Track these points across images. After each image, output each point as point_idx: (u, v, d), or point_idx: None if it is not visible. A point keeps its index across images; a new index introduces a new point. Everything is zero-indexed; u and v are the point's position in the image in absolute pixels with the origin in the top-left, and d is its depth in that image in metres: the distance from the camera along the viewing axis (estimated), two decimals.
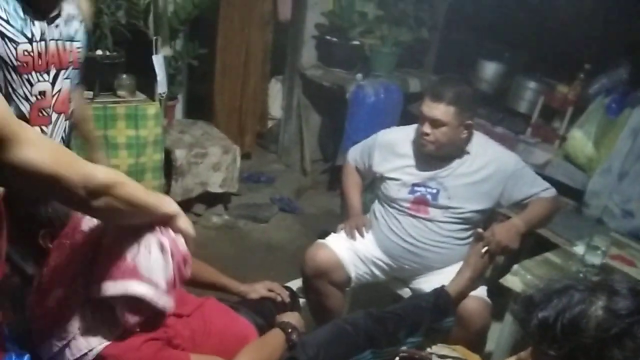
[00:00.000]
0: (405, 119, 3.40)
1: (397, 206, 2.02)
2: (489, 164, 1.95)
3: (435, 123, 1.87)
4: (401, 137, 2.07)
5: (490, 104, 3.40)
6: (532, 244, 2.53)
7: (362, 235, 2.09)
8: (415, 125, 2.05)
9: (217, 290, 1.67)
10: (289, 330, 1.40)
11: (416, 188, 1.99)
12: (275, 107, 3.89)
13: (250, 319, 1.50)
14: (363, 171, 2.21)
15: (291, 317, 1.49)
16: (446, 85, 1.87)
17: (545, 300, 0.82)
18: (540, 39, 3.21)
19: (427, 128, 1.89)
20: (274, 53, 3.77)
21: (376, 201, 2.15)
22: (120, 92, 2.46)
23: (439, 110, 1.85)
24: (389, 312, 1.66)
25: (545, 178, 2.87)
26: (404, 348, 1.23)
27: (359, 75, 3.29)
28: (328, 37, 3.45)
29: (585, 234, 2.18)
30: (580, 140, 2.84)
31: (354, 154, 2.24)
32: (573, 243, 2.12)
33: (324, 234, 2.19)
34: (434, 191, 1.96)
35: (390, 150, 2.07)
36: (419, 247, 1.98)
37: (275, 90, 3.85)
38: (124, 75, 2.46)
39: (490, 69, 3.46)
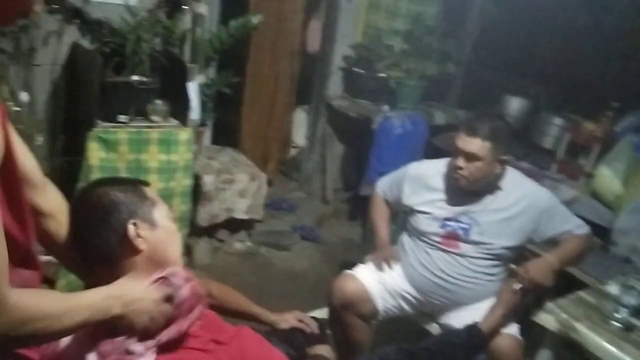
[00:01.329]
0: (430, 152, 3.42)
1: (427, 240, 2.01)
2: (521, 200, 1.94)
3: (470, 157, 1.87)
4: (432, 170, 2.08)
5: (515, 139, 3.40)
6: (557, 281, 2.50)
7: (390, 267, 2.08)
8: (446, 159, 2.05)
9: (247, 319, 1.66)
10: None
11: (447, 222, 1.98)
12: (299, 136, 3.93)
13: (282, 350, 1.48)
14: (392, 202, 2.21)
15: (323, 350, 1.48)
16: (482, 120, 1.88)
17: None
18: (567, 75, 3.23)
19: (461, 162, 1.89)
20: (300, 83, 3.82)
21: (404, 234, 2.14)
22: (153, 117, 2.49)
23: (474, 144, 1.85)
24: (421, 347, 1.64)
25: None
26: None
27: (386, 107, 3.32)
28: (355, 69, 3.50)
29: (613, 273, 2.15)
30: (607, 177, 2.83)
31: (383, 185, 2.25)
32: (604, 282, 2.09)
33: (346, 265, 2.18)
34: (466, 226, 1.95)
35: (421, 183, 2.07)
36: (449, 282, 1.96)
37: (300, 119, 3.89)
38: (158, 101, 2.50)
39: (515, 104, 3.48)
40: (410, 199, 2.08)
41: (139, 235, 1.09)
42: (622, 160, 2.81)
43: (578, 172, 3.12)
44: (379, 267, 2.07)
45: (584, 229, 1.98)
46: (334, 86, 3.62)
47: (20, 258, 0.96)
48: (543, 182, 3.12)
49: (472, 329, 1.78)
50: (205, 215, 2.82)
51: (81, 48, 2.46)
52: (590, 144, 3.08)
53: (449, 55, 3.61)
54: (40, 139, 2.41)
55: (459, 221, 1.96)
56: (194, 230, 2.86)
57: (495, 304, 1.87)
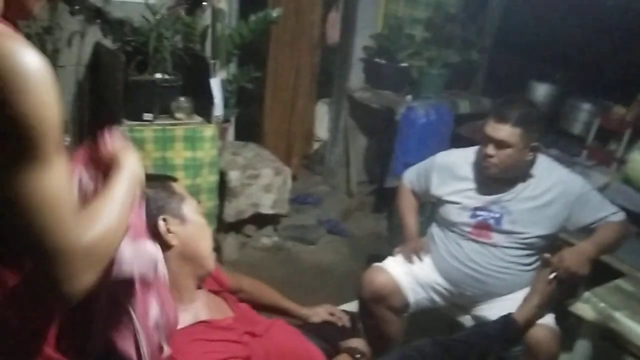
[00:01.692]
0: (455, 141, 3.37)
1: (457, 230, 1.97)
2: (553, 187, 1.89)
3: (500, 145, 1.82)
4: (461, 159, 2.04)
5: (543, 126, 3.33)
6: (592, 270, 2.44)
7: (420, 259, 2.05)
8: (475, 147, 2.01)
9: (278, 313, 1.66)
10: (358, 355, 1.38)
11: (478, 212, 1.94)
12: (321, 129, 3.91)
13: (316, 343, 1.47)
14: (419, 193, 2.18)
15: (357, 343, 1.47)
16: (512, 106, 1.83)
17: None
18: (595, 58, 3.14)
19: (491, 150, 1.85)
20: (321, 76, 3.80)
21: (434, 225, 2.11)
22: (177, 115, 2.50)
23: (504, 131, 1.80)
24: (456, 339, 1.61)
25: None
26: None
27: (409, 97, 3.28)
28: (376, 60, 3.46)
29: None
30: None
31: (410, 176, 2.21)
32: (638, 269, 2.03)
33: (374, 258, 2.16)
34: (497, 215, 1.91)
35: (450, 173, 2.03)
36: (481, 272, 1.92)
37: (322, 113, 3.87)
38: (182, 98, 2.51)
39: (541, 91, 3.40)
40: (439, 189, 2.04)
41: (169, 231, 1.10)
42: None
43: (609, 158, 3.04)
44: (409, 259, 2.04)
45: (619, 216, 1.92)
46: (356, 78, 3.58)
47: None
48: (574, 169, 3.03)
49: (507, 320, 1.74)
50: (232, 211, 2.82)
51: (104, 48, 2.47)
52: (621, 129, 2.99)
53: (471, 42, 3.54)
54: (67, 140, 2.43)
55: (490, 210, 1.92)
56: (222, 226, 2.87)
57: (529, 294, 1.83)
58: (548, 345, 1.77)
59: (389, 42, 3.40)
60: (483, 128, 1.88)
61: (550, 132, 3.29)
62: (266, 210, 2.93)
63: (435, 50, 3.44)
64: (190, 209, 1.15)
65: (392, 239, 2.45)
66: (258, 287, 1.66)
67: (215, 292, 1.30)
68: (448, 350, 1.55)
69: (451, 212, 1.99)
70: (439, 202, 2.05)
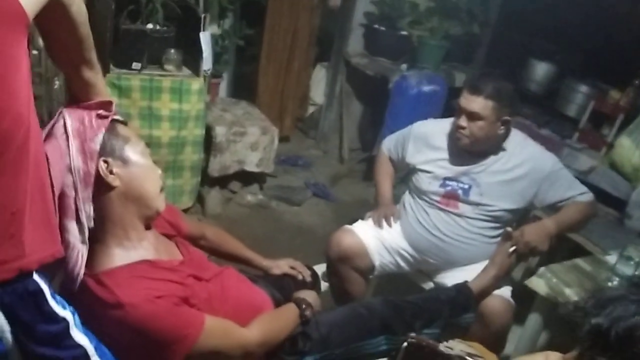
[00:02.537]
0: (449, 114, 3.35)
1: (427, 199, 2.01)
2: (524, 163, 1.91)
3: (472, 117, 1.84)
4: (437, 129, 2.06)
5: (538, 106, 3.31)
6: (569, 251, 2.47)
7: (389, 225, 2.09)
8: (452, 119, 2.03)
9: (241, 262, 1.72)
10: (303, 306, 1.43)
11: (448, 182, 1.97)
12: (318, 93, 3.91)
13: (268, 292, 1.53)
14: (396, 161, 2.20)
15: (308, 295, 1.52)
16: (486, 79, 1.84)
17: (599, 307, 0.82)
18: (596, 41, 3.09)
19: (463, 121, 1.87)
20: (322, 39, 3.77)
21: (407, 192, 2.14)
22: (167, 66, 2.53)
23: (476, 103, 1.82)
24: (407, 301, 1.66)
25: (588, 185, 2.79)
26: (412, 334, 1.23)
27: (404, 66, 3.27)
28: (376, 26, 3.43)
29: (624, 245, 2.11)
30: (627, 148, 2.74)
31: (388, 144, 2.24)
32: (607, 252, 2.06)
33: (353, 222, 2.20)
34: (466, 187, 1.94)
35: (425, 142, 2.05)
36: (445, 241, 1.96)
37: (320, 77, 3.87)
38: (172, 50, 2.53)
39: (541, 69, 3.36)
40: (414, 157, 2.07)
41: (111, 172, 1.13)
42: None
43: (600, 142, 3.03)
44: (378, 224, 2.09)
45: (587, 196, 1.94)
46: (355, 43, 3.56)
47: None
48: (562, 150, 3.04)
49: (460, 288, 1.79)
50: (217, 165, 2.87)
51: None
52: (615, 114, 2.97)
53: (475, 15, 3.49)
54: (57, 83, 2.47)
55: (459, 181, 1.95)
56: (206, 180, 2.93)
57: (487, 265, 1.87)
58: (500, 316, 1.82)
59: (390, 9, 3.37)
60: (457, 100, 1.89)
61: (544, 113, 3.28)
62: (251, 167, 2.98)
63: (437, 20, 3.39)
64: (134, 150, 1.17)
65: (375, 205, 2.50)
66: (221, 236, 1.71)
67: (169, 236, 1.35)
68: (397, 310, 1.59)
69: (422, 181, 2.02)
70: (413, 170, 2.08)
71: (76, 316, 1.01)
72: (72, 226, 1.08)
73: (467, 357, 1.22)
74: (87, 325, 1.13)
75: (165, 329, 1.10)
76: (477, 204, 1.93)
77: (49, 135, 1.09)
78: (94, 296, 1.08)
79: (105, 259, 1.14)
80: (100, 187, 1.12)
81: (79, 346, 1.00)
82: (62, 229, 1.06)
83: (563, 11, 3.19)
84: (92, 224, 1.10)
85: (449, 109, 3.40)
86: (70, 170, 1.08)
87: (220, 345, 1.20)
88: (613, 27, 2.99)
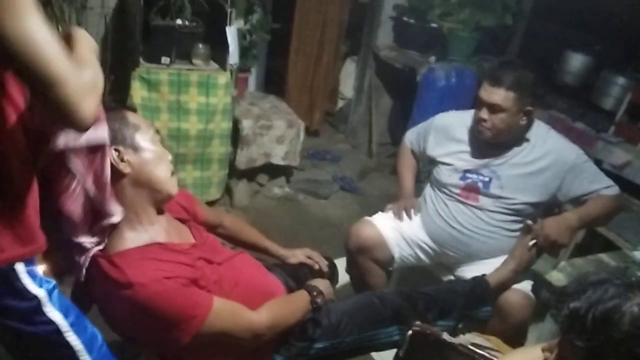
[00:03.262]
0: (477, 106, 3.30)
1: (446, 191, 1.99)
2: (547, 155, 1.87)
3: (494, 109, 1.81)
4: (458, 121, 2.03)
5: (572, 98, 3.22)
6: (601, 247, 2.40)
7: (409, 217, 2.09)
8: (472, 110, 2.00)
9: (258, 251, 1.75)
10: (315, 293, 1.45)
11: (468, 175, 1.94)
12: (348, 87, 3.92)
13: (282, 280, 1.56)
14: (418, 154, 2.20)
15: (320, 283, 1.54)
16: (506, 70, 1.80)
17: (578, 291, 0.82)
18: (634, 31, 2.97)
19: (484, 114, 1.84)
20: (352, 33, 3.78)
21: (428, 185, 2.13)
22: (195, 61, 2.60)
23: (497, 95, 1.79)
24: (421, 292, 1.66)
25: (623, 180, 2.73)
26: (417, 323, 1.23)
27: (432, 58, 3.23)
28: (405, 19, 3.41)
29: None
30: None
31: (410, 136, 2.23)
32: (636, 248, 1.99)
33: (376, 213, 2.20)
34: (486, 179, 1.91)
35: (446, 134, 2.04)
36: (465, 234, 1.94)
37: (349, 70, 3.87)
38: (200, 45, 2.59)
39: (576, 61, 3.26)
40: (434, 149, 2.06)
41: (122, 160, 1.18)
42: None
43: (637, 135, 2.91)
44: (399, 217, 2.09)
45: (612, 190, 1.87)
46: (384, 36, 3.55)
47: None
48: (597, 144, 2.95)
49: (477, 281, 1.77)
50: (244, 158, 2.93)
51: None
52: None
53: (508, 6, 3.41)
54: None
55: (480, 174, 1.93)
56: (234, 172, 2.99)
57: (507, 259, 1.84)
58: (519, 310, 1.79)
59: (420, 1, 3.34)
60: (478, 92, 1.87)
61: (579, 105, 3.19)
62: (277, 160, 3.02)
63: (468, 12, 3.34)
64: (144, 137, 1.22)
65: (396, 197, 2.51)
66: (239, 225, 1.75)
67: (182, 220, 1.40)
68: (409, 300, 1.59)
69: (443, 173, 2.01)
70: (433, 162, 2.07)
71: (54, 293, 1.06)
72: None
73: (471, 347, 1.21)
74: (100, 304, 1.19)
75: (173, 308, 1.14)
76: (498, 197, 1.90)
77: None
78: (106, 276, 1.13)
79: (118, 241, 1.19)
80: (113, 175, 1.16)
81: (51, 322, 1.05)
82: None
83: (599, 1, 3.08)
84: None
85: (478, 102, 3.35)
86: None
87: (228, 327, 1.23)
88: None
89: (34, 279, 1.02)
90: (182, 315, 1.15)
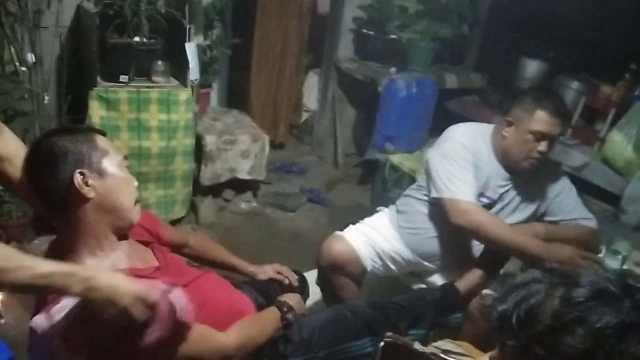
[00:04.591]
0: (440, 116, 3.36)
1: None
2: (543, 181, 1.89)
3: (554, 141, 1.76)
4: (478, 143, 1.87)
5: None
6: None
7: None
8: (478, 126, 1.93)
9: (227, 269, 1.72)
10: (285, 309, 1.43)
11: (481, 199, 1.84)
12: (312, 100, 3.93)
13: (252, 298, 1.53)
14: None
15: (290, 298, 1.52)
16: (560, 101, 1.77)
17: (506, 294, 0.82)
18: (586, 37, 3.09)
19: (544, 147, 1.73)
20: (313, 46, 3.80)
21: (410, 197, 2.04)
22: (155, 78, 2.55)
23: (560, 128, 1.73)
24: (392, 302, 1.66)
25: (582, 181, 2.81)
26: (389, 334, 1.23)
27: (393, 70, 3.28)
28: (365, 31, 3.44)
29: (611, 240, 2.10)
30: (619, 143, 2.73)
31: (466, 192, 1.78)
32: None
33: (347, 227, 2.16)
34: (488, 202, 1.86)
35: (472, 157, 1.84)
36: (452, 248, 1.93)
37: (312, 83, 3.89)
38: (160, 62, 2.55)
39: (532, 67, 3.37)
40: None
41: (87, 185, 1.14)
42: (634, 125, 2.70)
43: (593, 138, 3.02)
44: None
45: (591, 222, 1.90)
46: (345, 49, 3.58)
47: None
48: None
49: (447, 288, 1.78)
50: (209, 174, 2.89)
51: (85, 10, 2.52)
52: (607, 109, 2.96)
53: (464, 16, 3.49)
54: (47, 98, 2.51)
55: (485, 196, 1.86)
56: (199, 189, 2.94)
57: (476, 265, 1.86)
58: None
59: (379, 13, 3.38)
60: (530, 124, 1.72)
61: None
62: (243, 175, 2.99)
63: (426, 23, 3.40)
64: (112, 163, 1.19)
65: (374, 211, 2.47)
66: (205, 243, 1.72)
67: (145, 243, 1.36)
68: (381, 311, 1.59)
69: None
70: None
71: None
72: None
73: (442, 355, 1.21)
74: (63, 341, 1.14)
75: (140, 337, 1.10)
76: None
77: None
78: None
79: None
80: (75, 199, 1.13)
81: None
82: None
83: (552, 9, 3.19)
84: None
85: (441, 111, 3.41)
86: None
87: (197, 351, 1.19)
88: (602, 23, 2.99)
89: None
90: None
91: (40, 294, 0.98)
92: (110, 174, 1.18)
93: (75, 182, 1.12)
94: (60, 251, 1.18)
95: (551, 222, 1.91)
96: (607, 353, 0.73)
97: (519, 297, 0.80)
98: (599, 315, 0.74)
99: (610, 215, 2.81)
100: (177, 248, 1.58)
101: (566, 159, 2.93)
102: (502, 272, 1.95)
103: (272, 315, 1.42)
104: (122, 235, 1.25)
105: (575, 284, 0.78)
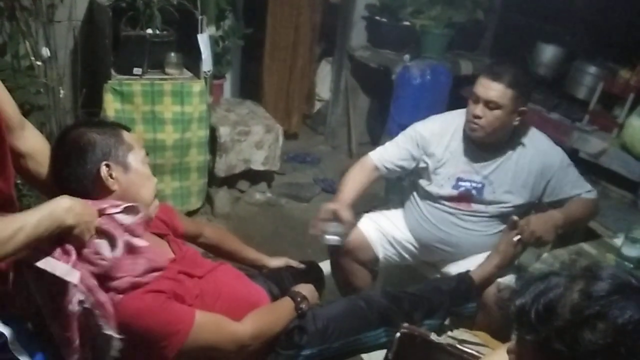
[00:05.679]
0: (454, 103, 3.32)
1: (439, 200, 1.94)
2: (535, 158, 1.87)
3: (490, 105, 1.76)
4: (442, 127, 1.94)
5: (546, 89, 3.26)
6: (583, 236, 2.43)
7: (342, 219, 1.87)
8: (452, 113, 1.98)
9: (240, 260, 1.72)
10: (299, 299, 1.43)
11: (460, 183, 1.89)
12: (325, 89, 3.91)
13: (265, 288, 1.55)
14: (389, 172, 2.04)
15: (304, 288, 1.52)
16: (506, 66, 1.77)
17: (524, 287, 0.81)
18: (603, 20, 3.02)
19: (479, 110, 1.78)
20: (325, 35, 3.77)
21: (414, 192, 2.05)
22: (168, 70, 2.56)
23: (496, 91, 1.75)
24: (406, 292, 1.66)
25: (600, 168, 2.77)
26: (405, 324, 1.23)
27: (406, 57, 3.25)
28: (378, 18, 3.41)
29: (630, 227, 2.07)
30: (638, 129, 2.67)
31: (382, 153, 2.04)
32: (615, 235, 2.01)
33: (358, 215, 2.17)
34: (479, 186, 1.88)
35: (431, 144, 1.93)
36: (453, 237, 1.93)
37: (325, 72, 3.87)
38: (172, 54, 2.56)
39: (548, 52, 3.30)
40: (421, 163, 1.97)
41: (111, 177, 1.18)
42: None
43: (611, 123, 2.95)
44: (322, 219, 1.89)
45: (592, 194, 1.90)
46: (358, 37, 3.56)
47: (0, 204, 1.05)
48: (572, 134, 2.99)
49: (462, 277, 1.78)
50: (223, 165, 2.90)
51: (97, 4, 2.53)
52: (625, 94, 2.90)
53: (478, 1, 3.44)
54: (62, 92, 2.54)
55: (472, 180, 1.89)
56: (214, 180, 2.96)
57: (491, 254, 1.85)
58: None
59: (391, 0, 3.35)
60: (473, 87, 1.82)
61: (553, 96, 3.23)
62: (257, 166, 3.00)
63: (440, 8, 3.36)
64: (136, 158, 1.23)
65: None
66: (220, 234, 1.73)
67: (160, 235, 1.37)
68: (396, 301, 1.59)
69: (433, 185, 1.94)
70: (420, 175, 1.99)
71: (22, 331, 1.04)
72: None
73: (459, 345, 1.21)
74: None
75: (155, 324, 1.12)
76: (490, 202, 1.89)
77: None
78: None
79: None
80: (99, 189, 1.17)
81: None
82: None
83: None
84: None
85: (455, 97, 3.37)
86: None
87: (212, 340, 1.21)
88: (620, 5, 2.92)
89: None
90: (165, 331, 1.13)
91: (43, 243, 1.01)
92: (133, 169, 1.22)
93: (101, 173, 1.16)
94: None
95: (555, 202, 1.90)
96: (629, 349, 0.71)
97: (537, 291, 0.79)
98: (620, 310, 0.73)
99: (629, 202, 2.77)
100: (192, 238, 1.60)
101: (584, 145, 2.89)
102: (516, 262, 1.93)
103: (286, 304, 1.43)
104: None
105: (595, 277, 0.76)
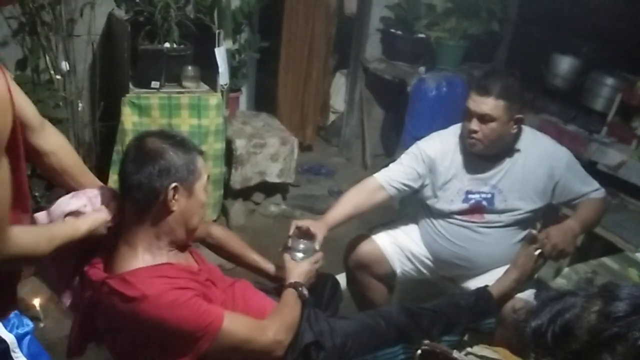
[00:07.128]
0: None
1: (451, 215, 1.92)
2: (541, 160, 1.85)
3: (484, 119, 1.77)
4: (444, 144, 1.93)
5: (563, 101, 3.23)
6: (601, 249, 2.39)
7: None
8: (454, 127, 1.96)
9: (245, 264, 1.68)
10: (299, 288, 1.43)
11: (470, 195, 1.88)
12: (339, 101, 3.92)
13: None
14: (397, 193, 1.98)
15: (296, 275, 1.49)
16: (492, 79, 1.78)
17: (540, 308, 0.79)
18: (620, 31, 3.00)
19: (474, 125, 1.79)
20: (340, 47, 3.79)
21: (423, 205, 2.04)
22: (185, 83, 2.59)
23: (487, 105, 1.76)
24: (424, 308, 1.64)
25: (619, 180, 2.73)
26: (426, 342, 1.21)
27: (422, 69, 3.24)
28: (393, 30, 3.42)
29: None
30: None
31: (388, 175, 1.98)
32: (637, 249, 1.98)
33: (375, 228, 2.16)
34: (489, 196, 1.87)
35: (437, 162, 1.91)
36: (470, 250, 1.91)
37: (340, 84, 3.88)
38: (190, 67, 2.59)
39: (565, 64, 3.28)
40: (428, 181, 1.94)
41: (174, 198, 1.19)
42: None
43: (630, 135, 2.92)
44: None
45: (601, 192, 1.89)
46: (372, 49, 3.56)
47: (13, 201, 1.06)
48: (590, 146, 2.96)
49: (480, 293, 1.75)
50: (239, 178, 2.91)
51: (116, 18, 2.57)
52: None
53: (494, 13, 3.43)
54: (81, 105, 2.57)
55: (481, 192, 1.88)
56: (229, 192, 2.97)
57: (510, 268, 1.82)
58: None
59: (407, 12, 3.35)
60: (466, 103, 1.84)
61: (570, 108, 3.20)
62: (273, 178, 3.01)
63: (455, 21, 3.36)
64: (201, 186, 1.24)
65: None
66: (227, 235, 1.68)
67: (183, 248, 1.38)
68: (414, 318, 1.58)
69: (443, 201, 1.92)
70: (429, 194, 1.96)
71: (26, 338, 1.05)
72: None
73: None
74: (108, 329, 1.17)
75: (188, 317, 1.13)
76: (503, 211, 1.87)
77: None
78: (115, 294, 1.13)
79: (131, 261, 1.19)
80: (159, 205, 1.19)
81: None
82: None
83: (584, 3, 3.11)
84: None
85: None
86: None
87: (245, 333, 1.22)
88: (636, 16, 2.89)
89: (5, 323, 1.01)
90: (197, 324, 1.14)
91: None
92: (195, 196, 1.24)
93: (168, 194, 1.18)
94: (116, 234, 1.23)
95: (565, 203, 1.91)
96: None
97: (554, 311, 0.77)
98: (639, 332, 0.71)
99: None
100: (200, 239, 1.59)
101: (602, 157, 2.86)
102: (536, 276, 1.91)
103: (291, 297, 1.41)
104: (174, 244, 1.28)
105: (613, 297, 0.74)
